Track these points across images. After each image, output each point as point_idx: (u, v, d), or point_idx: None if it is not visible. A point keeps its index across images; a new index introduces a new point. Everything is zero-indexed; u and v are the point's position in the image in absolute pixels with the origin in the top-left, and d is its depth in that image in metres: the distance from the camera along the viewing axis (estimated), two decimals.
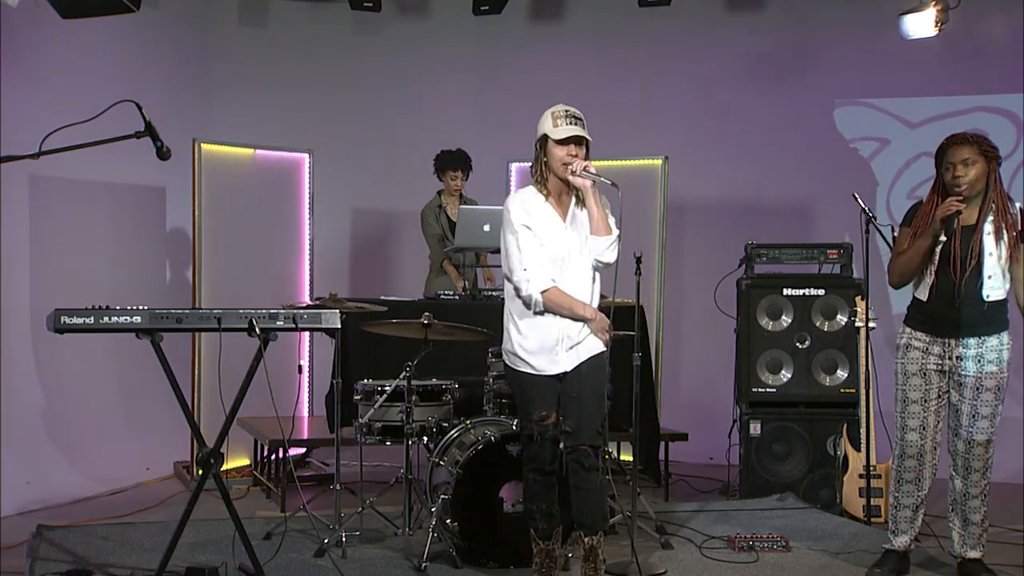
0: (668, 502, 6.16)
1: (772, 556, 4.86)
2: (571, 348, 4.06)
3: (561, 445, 4.11)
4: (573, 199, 4.11)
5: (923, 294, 4.41)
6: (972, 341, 4.34)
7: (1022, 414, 6.97)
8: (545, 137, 4.04)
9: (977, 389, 4.35)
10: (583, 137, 4.00)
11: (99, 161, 5.93)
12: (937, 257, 4.34)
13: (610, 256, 4.06)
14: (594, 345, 4.10)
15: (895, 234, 4.84)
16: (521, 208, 4.09)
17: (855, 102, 7.92)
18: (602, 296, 4.18)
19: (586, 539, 4.11)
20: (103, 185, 6.79)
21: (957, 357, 4.37)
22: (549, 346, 4.05)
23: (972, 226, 4.32)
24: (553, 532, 4.19)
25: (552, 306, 4.02)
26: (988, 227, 4.30)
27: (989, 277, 4.29)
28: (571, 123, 3.99)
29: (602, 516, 4.20)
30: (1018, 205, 4.39)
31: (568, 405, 4.07)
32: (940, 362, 4.41)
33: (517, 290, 4.06)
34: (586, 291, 4.08)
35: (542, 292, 4.00)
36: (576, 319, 4.04)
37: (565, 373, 4.08)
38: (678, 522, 5.39)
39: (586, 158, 4.04)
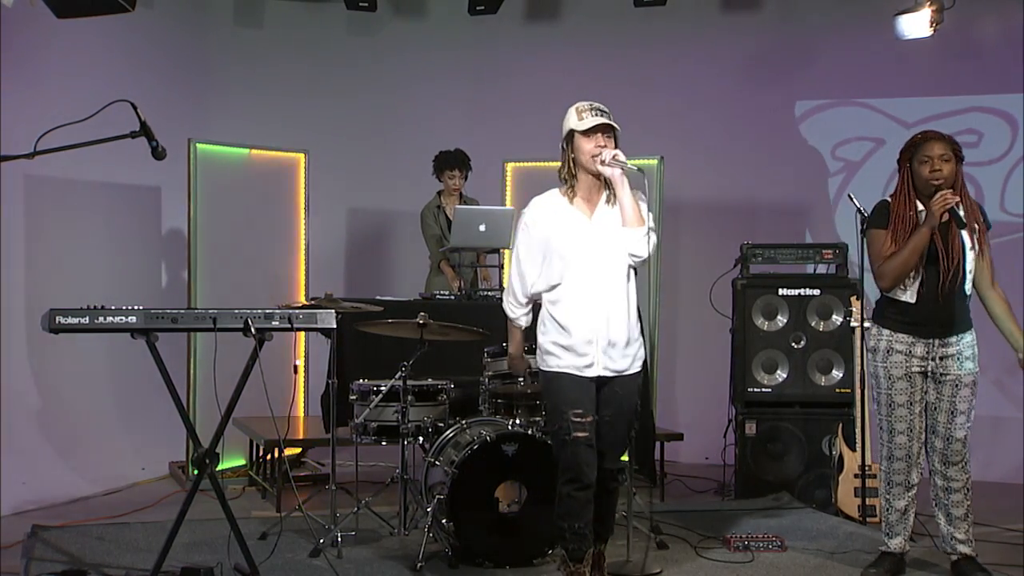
0: (664, 502, 6.17)
1: (768, 556, 4.87)
2: (610, 353, 3.95)
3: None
4: (604, 195, 4.03)
5: (911, 296, 4.39)
6: (953, 339, 4.38)
7: (1022, 414, 6.99)
8: (571, 133, 3.97)
9: (956, 386, 4.38)
10: (611, 126, 3.93)
11: (94, 161, 5.94)
12: (924, 257, 4.36)
13: (643, 249, 3.92)
14: (636, 363, 4.05)
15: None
16: (537, 214, 4.05)
17: (850, 102, 7.93)
18: None
19: (595, 544, 4.10)
20: (98, 185, 6.79)
21: (940, 357, 4.39)
22: (582, 341, 3.94)
23: (946, 223, 4.34)
24: (585, 554, 4.01)
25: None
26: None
27: (970, 272, 4.36)
28: (596, 114, 3.93)
29: (612, 525, 4.24)
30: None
31: (599, 427, 3.98)
32: (923, 363, 4.42)
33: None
34: (619, 292, 3.97)
35: (512, 321, 4.22)
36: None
37: (602, 384, 3.98)
38: (674, 522, 5.39)
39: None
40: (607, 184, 4.02)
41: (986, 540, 4.92)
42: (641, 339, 4.09)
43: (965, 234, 4.34)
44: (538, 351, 4.11)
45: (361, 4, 7.78)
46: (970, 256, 4.35)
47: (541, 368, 4.09)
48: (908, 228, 4.37)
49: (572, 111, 4.00)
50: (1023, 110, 7.45)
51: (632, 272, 4.04)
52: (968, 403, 4.40)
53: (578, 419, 3.90)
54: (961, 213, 4.33)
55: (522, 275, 4.10)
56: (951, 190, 4.31)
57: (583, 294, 3.97)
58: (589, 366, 3.96)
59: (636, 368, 4.06)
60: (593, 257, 3.97)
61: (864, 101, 7.87)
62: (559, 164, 4.09)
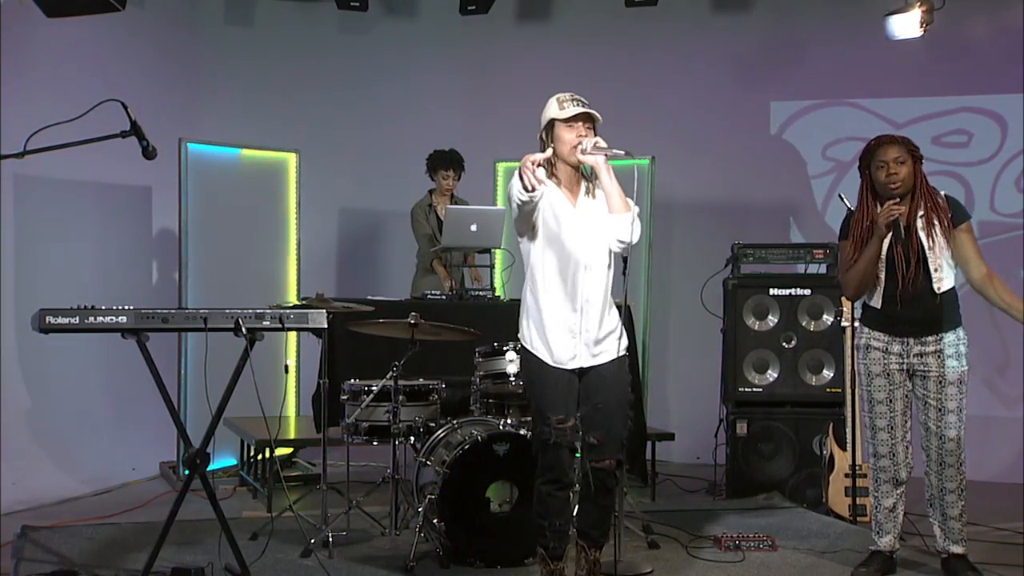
0: (654, 501, 6.17)
1: (758, 555, 4.87)
2: (594, 345, 3.91)
3: (582, 456, 3.93)
4: (584, 187, 3.99)
5: (876, 302, 4.46)
6: (930, 339, 4.40)
7: (1022, 414, 7.02)
8: (552, 123, 3.93)
9: (940, 384, 4.40)
10: (592, 116, 3.90)
11: (85, 160, 5.91)
12: (884, 263, 4.40)
13: (631, 235, 3.87)
14: (615, 348, 3.95)
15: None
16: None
17: (841, 102, 7.94)
18: None
19: (591, 551, 4.02)
20: (89, 185, 6.77)
21: (916, 355, 4.42)
22: (560, 333, 3.89)
23: (907, 226, 4.39)
24: (564, 552, 4.01)
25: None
26: (919, 222, 4.38)
27: (936, 270, 4.36)
28: (578, 104, 3.89)
29: (609, 530, 4.12)
30: (943, 193, 4.47)
31: (593, 416, 3.92)
32: (901, 361, 4.45)
33: (519, 202, 3.79)
34: (600, 281, 3.93)
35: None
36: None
37: (584, 373, 3.93)
38: (665, 521, 5.39)
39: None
40: (585, 176, 4.00)
41: (977, 539, 4.93)
42: (621, 327, 4.00)
43: (922, 235, 4.36)
44: (521, 331, 4.03)
45: (352, 3, 7.76)
46: (930, 256, 4.35)
47: (523, 345, 4.02)
48: (866, 237, 4.43)
49: (553, 101, 3.95)
50: (1014, 110, 7.47)
51: (611, 262, 3.98)
52: (957, 401, 4.40)
53: (560, 425, 3.86)
54: (918, 215, 4.36)
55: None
56: (894, 201, 4.35)
57: (562, 283, 3.92)
58: (572, 358, 3.92)
59: (618, 353, 3.97)
60: (575, 246, 3.92)
61: (855, 101, 7.89)
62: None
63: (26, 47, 6.28)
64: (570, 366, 3.93)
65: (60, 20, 6.00)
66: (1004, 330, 6.66)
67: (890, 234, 4.37)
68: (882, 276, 4.42)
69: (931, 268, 4.35)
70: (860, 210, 4.50)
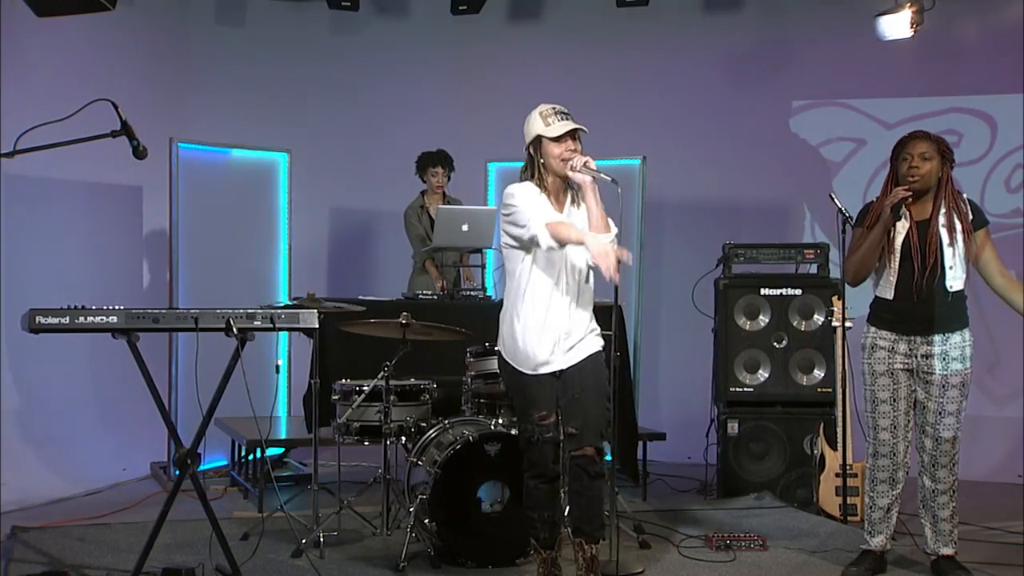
0: (646, 501, 6.18)
1: (749, 555, 4.88)
2: (569, 349, 3.98)
3: (562, 448, 4.00)
4: (569, 198, 4.04)
5: (887, 292, 4.47)
6: (937, 338, 4.40)
7: (1022, 414, 7.03)
8: (539, 139, 3.96)
9: (943, 387, 4.41)
10: (579, 130, 3.93)
11: (75, 160, 5.90)
12: (898, 254, 4.41)
13: None
14: (593, 344, 4.04)
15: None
16: (522, 194, 3.95)
17: (832, 102, 7.96)
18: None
19: (587, 547, 4.03)
20: (79, 184, 6.76)
21: (923, 355, 4.43)
22: (547, 347, 3.96)
23: (927, 221, 4.41)
24: (556, 541, 4.09)
25: (557, 237, 3.79)
26: (941, 219, 4.40)
27: (951, 268, 4.38)
28: (562, 118, 3.93)
29: (601, 523, 4.11)
30: (966, 196, 4.52)
31: (570, 407, 3.98)
32: (906, 360, 4.46)
33: (531, 240, 3.84)
34: (586, 291, 4.02)
35: (545, 224, 3.81)
36: (581, 244, 3.79)
37: (563, 371, 3.99)
38: (656, 521, 5.40)
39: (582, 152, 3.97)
40: (571, 186, 4.04)
41: (968, 538, 4.95)
42: (597, 327, 4.09)
43: (944, 231, 4.38)
44: (501, 338, 4.08)
45: (343, 3, 7.77)
46: (948, 253, 4.38)
47: (502, 354, 4.09)
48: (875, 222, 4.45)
49: (536, 116, 3.98)
50: (1004, 110, 7.50)
51: (591, 273, 4.05)
52: (957, 404, 4.41)
53: (543, 422, 3.97)
54: (940, 213, 4.38)
55: (532, 209, 3.90)
56: (904, 187, 4.37)
57: (549, 293, 3.97)
58: (547, 363, 3.98)
59: (593, 349, 4.04)
60: (562, 257, 3.97)
61: (846, 101, 7.91)
62: (522, 167, 4.08)
63: (16, 46, 6.27)
64: (546, 371, 3.99)
65: (50, 20, 5.97)
66: (994, 330, 6.69)
67: (906, 225, 4.38)
68: (895, 266, 4.43)
69: (946, 265, 4.37)
70: (879, 200, 4.51)
